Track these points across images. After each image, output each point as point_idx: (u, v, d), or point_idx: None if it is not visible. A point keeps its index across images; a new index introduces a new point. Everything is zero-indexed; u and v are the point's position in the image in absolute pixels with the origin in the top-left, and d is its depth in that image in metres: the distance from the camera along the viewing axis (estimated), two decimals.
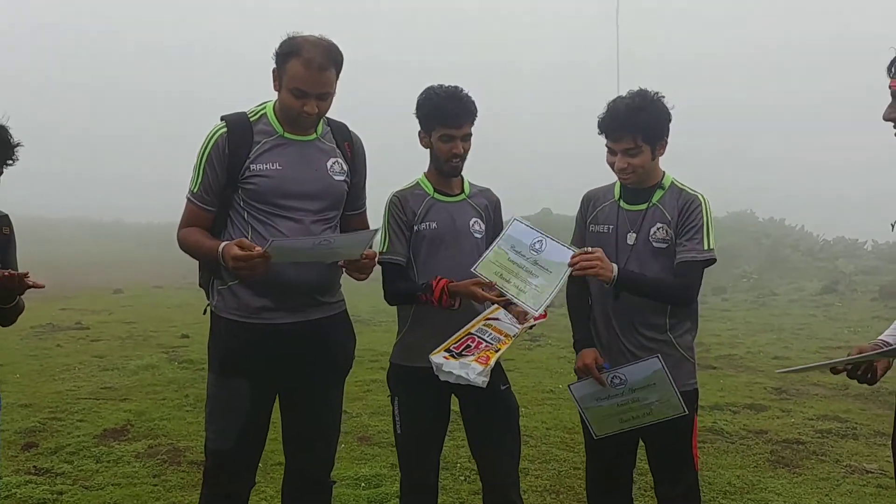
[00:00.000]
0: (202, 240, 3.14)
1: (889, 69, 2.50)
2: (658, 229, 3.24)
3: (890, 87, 2.49)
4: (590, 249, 3.09)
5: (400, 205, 3.38)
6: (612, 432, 3.31)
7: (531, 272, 3.15)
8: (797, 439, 6.16)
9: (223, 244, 3.00)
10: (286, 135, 3.18)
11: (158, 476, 5.17)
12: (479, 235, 3.42)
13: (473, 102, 3.34)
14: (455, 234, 3.38)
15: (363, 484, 5.03)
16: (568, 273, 3.07)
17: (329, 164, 3.24)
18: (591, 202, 3.45)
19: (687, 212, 3.24)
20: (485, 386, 3.02)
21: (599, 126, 3.25)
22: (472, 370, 3.02)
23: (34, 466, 5.30)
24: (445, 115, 3.29)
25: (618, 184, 3.39)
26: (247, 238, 3.02)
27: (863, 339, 2.74)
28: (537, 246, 3.17)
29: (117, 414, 6.67)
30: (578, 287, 3.40)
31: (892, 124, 2.51)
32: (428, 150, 3.41)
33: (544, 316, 3.18)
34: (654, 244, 3.23)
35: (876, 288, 17.83)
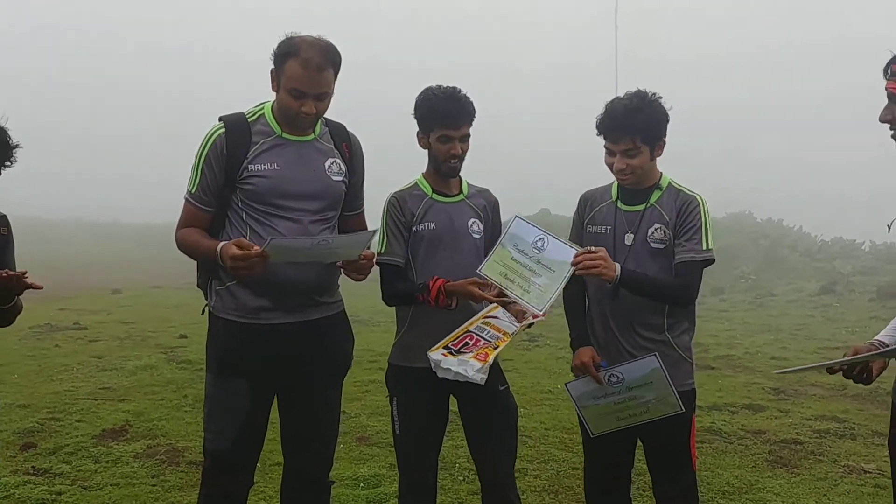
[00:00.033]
0: (200, 240, 3.14)
1: (885, 71, 2.51)
2: (656, 230, 3.25)
3: (886, 88, 2.50)
4: (593, 249, 3.09)
5: (398, 205, 3.39)
6: (608, 430, 3.32)
7: (534, 271, 3.15)
8: (795, 439, 6.17)
9: (221, 244, 3.00)
10: (284, 135, 3.18)
11: (157, 476, 5.17)
12: (477, 236, 3.43)
13: (471, 103, 3.35)
14: (453, 235, 3.38)
15: (362, 484, 5.04)
16: (571, 272, 3.07)
17: (327, 164, 3.24)
18: (588, 203, 3.45)
19: (685, 212, 3.25)
20: (483, 383, 3.02)
21: (598, 127, 3.25)
22: (470, 367, 3.02)
23: (33, 467, 5.29)
24: (444, 116, 3.29)
25: (615, 184, 3.39)
26: (245, 238, 3.02)
27: (861, 339, 2.75)
28: (539, 244, 3.17)
29: (116, 414, 6.67)
30: (575, 286, 3.40)
31: (889, 126, 2.52)
32: (426, 150, 3.41)
33: (543, 315, 3.19)
34: (652, 245, 3.24)
35: (874, 288, 17.83)
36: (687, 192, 3.31)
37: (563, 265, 3.09)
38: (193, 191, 3.16)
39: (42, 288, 2.81)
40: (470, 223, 3.42)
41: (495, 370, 3.43)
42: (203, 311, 3.35)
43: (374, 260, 3.21)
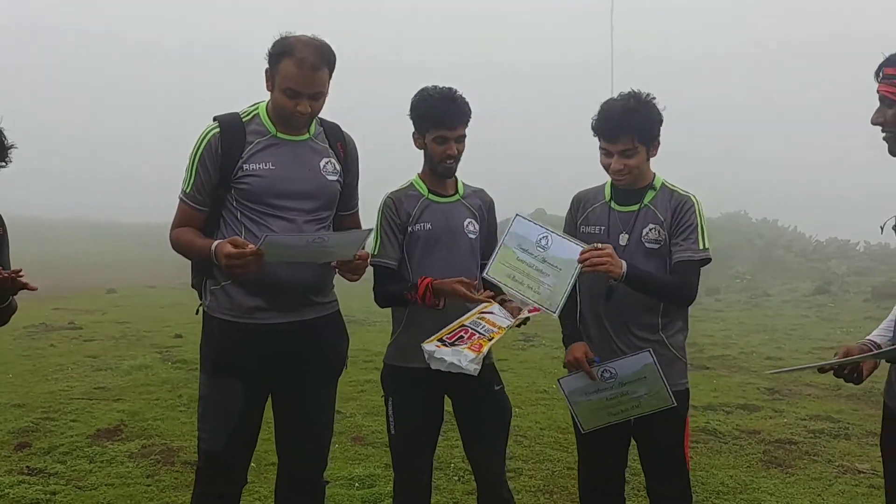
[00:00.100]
0: (195, 239, 3.14)
1: (877, 74, 2.52)
2: (650, 230, 3.26)
3: (878, 91, 2.51)
4: (599, 245, 3.09)
5: (394, 207, 3.39)
6: (599, 426, 3.32)
7: (541, 271, 3.14)
8: (790, 439, 6.18)
9: (216, 243, 3.00)
10: (279, 135, 3.18)
11: (152, 476, 5.16)
12: (473, 236, 3.43)
13: (467, 104, 3.35)
14: (449, 235, 3.38)
15: (357, 484, 5.03)
16: (579, 270, 3.06)
17: (322, 163, 3.24)
18: (581, 203, 3.46)
19: (680, 212, 3.26)
20: (476, 374, 3.01)
21: (594, 128, 3.25)
22: (464, 357, 3.00)
23: (27, 466, 5.29)
24: (439, 117, 3.29)
25: (608, 185, 3.40)
26: (240, 238, 3.02)
27: (855, 339, 2.76)
28: (543, 242, 3.16)
29: (110, 414, 6.66)
30: None
31: (881, 128, 2.53)
32: (422, 151, 3.41)
33: (538, 310, 3.19)
34: (647, 245, 3.24)
35: (868, 289, 17.90)
36: (681, 192, 3.32)
37: (570, 263, 3.08)
38: (188, 190, 3.16)
39: (37, 289, 2.80)
40: (466, 223, 3.43)
41: (490, 370, 3.44)
42: (197, 310, 3.34)
43: (369, 261, 3.21)
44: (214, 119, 3.18)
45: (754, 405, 7.40)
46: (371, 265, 3.29)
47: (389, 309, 3.48)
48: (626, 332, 3.28)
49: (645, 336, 3.27)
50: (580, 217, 3.42)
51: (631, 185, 3.30)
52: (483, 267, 3.50)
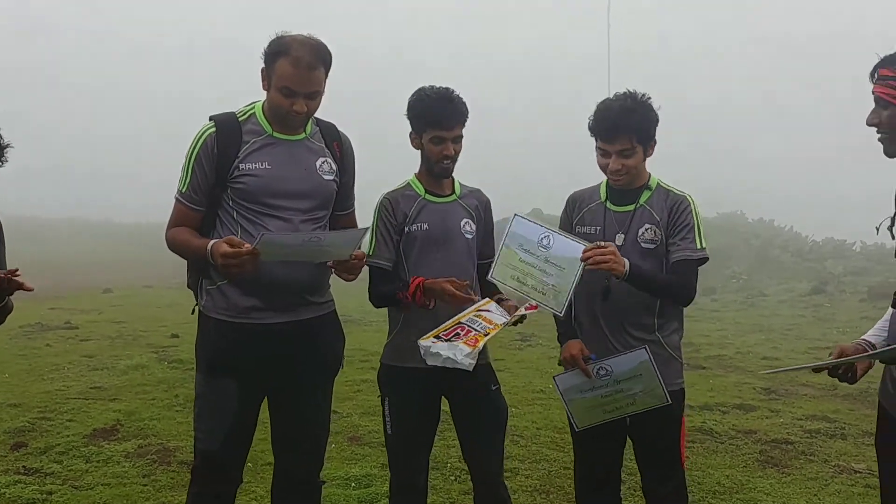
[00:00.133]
0: (191, 239, 3.13)
1: (872, 75, 2.53)
2: (646, 230, 3.26)
3: (873, 92, 2.52)
4: (602, 244, 3.08)
5: (390, 207, 3.39)
6: (594, 424, 3.32)
7: (545, 271, 3.14)
8: (786, 439, 6.18)
9: (212, 242, 2.99)
10: (275, 134, 3.18)
11: (148, 476, 5.16)
12: (469, 236, 3.43)
13: (464, 104, 3.35)
14: (446, 235, 3.38)
15: (353, 484, 5.03)
16: (582, 269, 3.05)
17: (318, 163, 3.24)
18: (576, 203, 3.46)
19: (677, 212, 3.26)
20: (471, 368, 3.01)
21: (591, 128, 3.25)
22: (459, 351, 3.00)
23: (23, 466, 5.28)
24: (436, 118, 3.29)
25: (603, 185, 3.40)
26: (236, 237, 3.02)
27: (852, 339, 2.77)
28: (545, 242, 3.16)
29: (107, 414, 6.65)
30: None
31: (876, 129, 2.54)
32: (419, 151, 3.41)
33: (535, 307, 3.19)
34: (643, 245, 3.24)
35: (864, 289, 17.91)
36: (677, 192, 3.33)
37: (573, 262, 3.07)
38: (184, 190, 3.16)
39: (33, 289, 2.80)
40: (462, 223, 3.42)
41: (487, 370, 3.44)
42: (193, 310, 3.34)
43: (364, 261, 3.21)
44: (210, 119, 3.18)
45: (751, 405, 7.41)
46: (367, 264, 3.29)
47: (386, 309, 3.47)
48: (623, 331, 3.28)
49: (641, 336, 3.27)
50: (576, 217, 3.41)
51: (627, 186, 3.30)
52: (480, 267, 3.51)
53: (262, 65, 3.11)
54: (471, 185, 3.61)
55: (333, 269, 3.19)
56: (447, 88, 3.35)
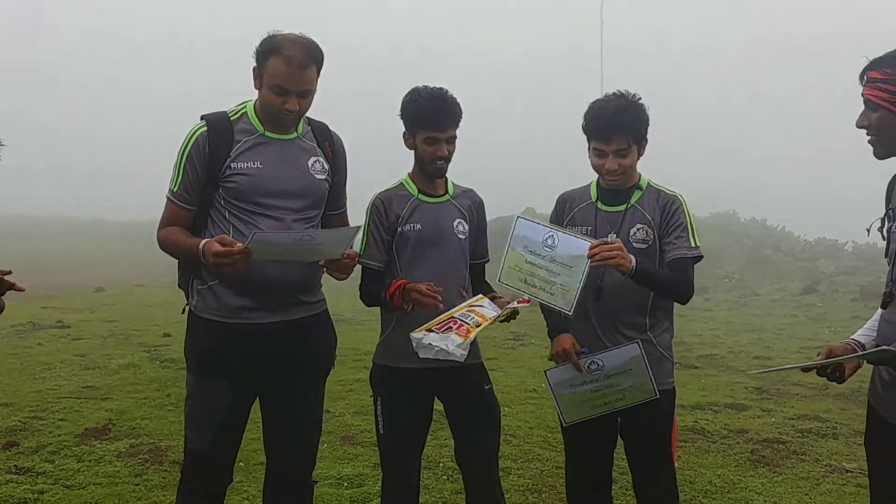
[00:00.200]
0: (182, 238, 3.13)
1: (861, 77, 2.53)
2: (638, 230, 3.26)
3: (863, 94, 2.52)
4: (608, 240, 3.08)
5: (383, 208, 3.38)
6: (581, 419, 3.32)
7: (552, 271, 3.13)
8: (777, 439, 6.20)
9: (203, 242, 2.99)
10: (267, 133, 3.17)
11: (140, 475, 5.15)
12: (462, 236, 3.43)
13: (458, 105, 3.34)
14: (439, 235, 3.38)
15: (346, 483, 5.03)
16: (588, 265, 3.05)
17: (310, 162, 3.24)
18: (566, 203, 3.46)
19: (669, 212, 3.27)
20: (462, 360, 3.00)
21: (587, 129, 3.25)
22: (451, 342, 3.00)
23: (15, 466, 5.26)
24: (430, 119, 3.29)
25: (593, 185, 3.41)
26: (227, 236, 3.01)
27: (843, 339, 2.78)
28: (549, 242, 3.15)
29: (99, 413, 6.64)
30: None
31: (866, 131, 2.55)
32: (412, 151, 3.41)
33: (527, 301, 3.20)
34: (635, 245, 3.25)
35: (856, 288, 17.98)
36: (667, 192, 3.34)
37: (579, 259, 3.07)
38: (175, 189, 3.15)
39: (24, 290, 2.79)
40: (455, 223, 3.43)
41: (480, 370, 3.45)
42: (183, 310, 3.34)
43: (356, 260, 3.21)
44: (202, 118, 3.18)
45: (742, 404, 7.43)
46: (359, 263, 3.29)
47: (378, 308, 3.47)
48: (614, 330, 3.29)
49: (633, 335, 3.27)
50: (566, 217, 3.41)
51: (618, 186, 3.31)
52: (473, 267, 3.52)
53: (254, 63, 3.11)
54: (472, 183, 3.61)
55: (325, 269, 3.19)
56: (441, 89, 3.35)
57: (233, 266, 2.89)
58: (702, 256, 3.28)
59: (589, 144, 3.28)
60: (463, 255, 3.44)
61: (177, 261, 3.29)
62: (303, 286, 3.24)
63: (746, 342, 11.95)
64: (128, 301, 17.06)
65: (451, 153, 3.35)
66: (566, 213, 3.42)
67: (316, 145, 3.28)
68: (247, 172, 3.10)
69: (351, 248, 3.13)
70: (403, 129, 3.39)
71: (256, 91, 3.14)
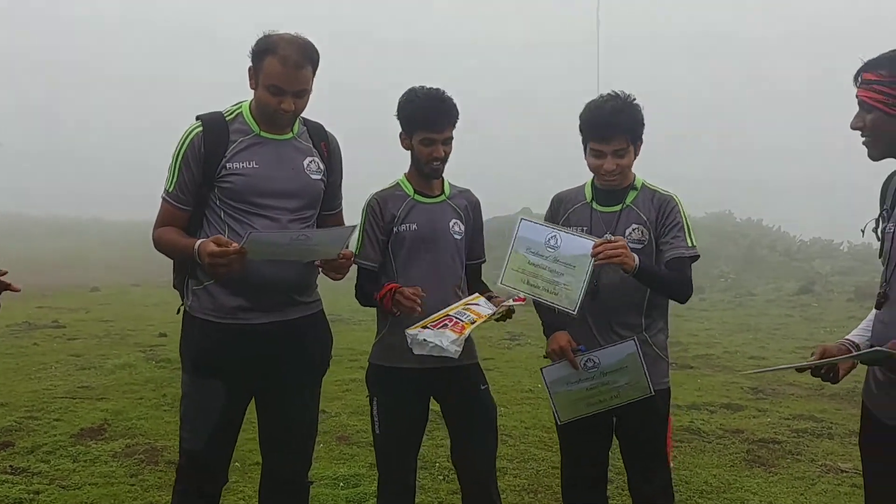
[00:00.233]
0: (178, 238, 3.13)
1: (855, 79, 2.54)
2: (634, 230, 3.26)
3: (857, 96, 2.53)
4: (611, 238, 3.08)
5: (378, 208, 3.38)
6: (576, 417, 3.32)
7: (555, 271, 3.13)
8: (773, 439, 6.21)
9: (199, 242, 2.99)
10: (262, 134, 3.17)
11: (136, 476, 5.15)
12: (458, 236, 3.43)
13: (455, 106, 3.34)
14: (435, 236, 3.38)
15: (342, 483, 5.03)
16: (592, 264, 3.04)
17: (306, 162, 3.24)
18: (561, 204, 3.46)
19: (665, 212, 3.28)
20: (457, 356, 3.00)
21: (584, 129, 3.25)
22: (445, 338, 3.00)
23: (10, 466, 5.25)
24: (426, 119, 3.29)
25: (588, 185, 3.41)
26: (223, 236, 3.01)
27: (838, 339, 2.79)
28: (553, 242, 3.15)
29: (94, 413, 6.63)
30: None
31: (860, 132, 2.55)
32: (409, 151, 3.41)
33: (522, 300, 3.20)
34: (631, 245, 3.23)
35: (852, 288, 18.02)
36: (662, 192, 3.34)
37: (583, 259, 3.06)
38: (171, 190, 3.15)
39: (20, 290, 2.79)
40: (451, 224, 3.42)
41: (476, 370, 3.45)
42: (178, 310, 3.33)
43: (352, 260, 3.21)
44: (197, 118, 3.18)
45: (738, 404, 7.43)
46: (355, 263, 3.29)
47: (374, 308, 3.47)
48: (610, 331, 3.29)
49: (628, 335, 3.27)
50: (561, 218, 3.41)
51: (614, 186, 3.31)
52: (468, 267, 3.52)
53: (250, 63, 3.11)
54: (468, 183, 3.61)
55: (321, 269, 3.19)
56: (437, 89, 3.34)
57: (228, 266, 2.89)
58: (699, 256, 3.29)
59: (585, 145, 3.28)
60: (459, 256, 3.44)
61: (172, 261, 3.29)
62: (298, 286, 3.24)
63: (742, 342, 11.96)
64: (123, 301, 17.03)
65: (447, 154, 3.35)
66: (561, 213, 3.42)
67: (311, 145, 3.29)
68: (242, 172, 3.10)
69: (347, 247, 3.12)
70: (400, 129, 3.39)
71: (252, 91, 3.14)
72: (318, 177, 3.26)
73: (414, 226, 3.36)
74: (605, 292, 3.24)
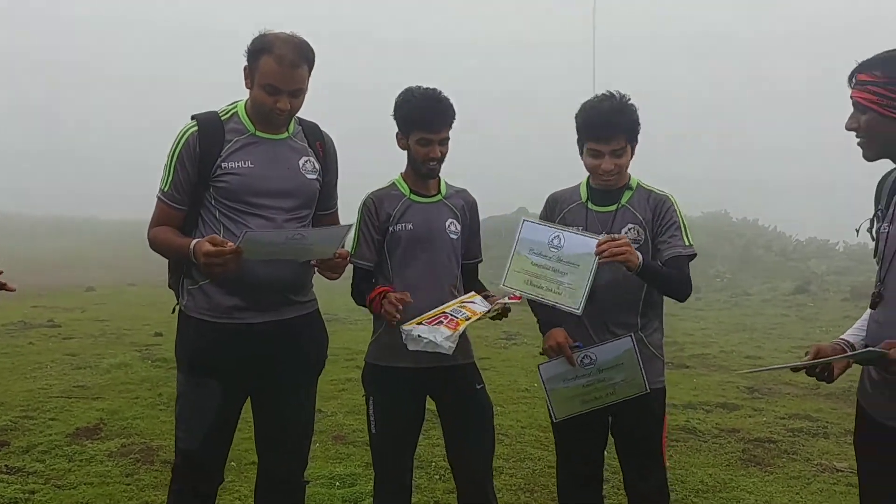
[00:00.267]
0: (173, 238, 3.12)
1: (850, 80, 2.54)
2: (629, 230, 3.27)
3: (851, 97, 2.53)
4: (616, 236, 3.08)
5: (374, 208, 3.38)
6: (572, 414, 3.32)
7: (559, 271, 3.12)
8: (769, 438, 6.22)
9: (194, 241, 2.98)
10: (258, 133, 3.17)
11: (131, 475, 5.14)
12: (454, 236, 3.42)
13: (452, 106, 3.33)
14: (431, 236, 3.37)
15: (338, 483, 5.03)
16: (597, 263, 3.04)
17: (301, 162, 3.23)
18: (556, 204, 3.46)
19: (661, 211, 3.28)
20: (450, 352, 2.99)
21: (583, 129, 3.25)
22: (440, 334, 2.99)
23: (6, 465, 5.24)
24: (423, 120, 3.28)
25: (583, 185, 3.41)
26: (218, 236, 3.01)
27: (834, 339, 2.79)
28: (556, 242, 3.15)
29: (90, 413, 6.62)
30: None
31: (855, 133, 2.56)
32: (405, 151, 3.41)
33: (518, 298, 3.19)
34: None
35: (847, 288, 18.04)
36: (657, 191, 3.35)
37: (587, 257, 3.06)
38: (166, 189, 3.15)
39: (15, 290, 2.78)
40: (447, 224, 3.42)
41: (472, 369, 3.45)
42: (174, 310, 3.33)
43: (348, 259, 3.21)
44: (192, 118, 3.17)
45: (734, 404, 7.44)
46: (350, 262, 3.29)
47: None
48: (606, 330, 3.29)
49: (624, 335, 3.27)
50: (556, 218, 3.40)
51: (610, 186, 3.31)
52: (465, 267, 3.52)
53: (245, 62, 3.11)
54: (464, 183, 3.61)
55: (317, 268, 3.19)
56: (434, 89, 3.34)
57: (224, 266, 2.89)
58: (696, 254, 3.29)
59: (583, 145, 3.28)
60: (455, 255, 3.43)
61: (167, 260, 3.29)
62: (294, 286, 3.23)
63: (738, 342, 11.97)
64: (119, 300, 17.01)
65: (444, 154, 3.35)
66: (556, 213, 3.42)
67: (307, 145, 3.28)
68: (238, 172, 3.10)
69: (342, 247, 3.12)
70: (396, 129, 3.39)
71: (248, 90, 3.14)
72: (314, 176, 3.26)
73: (409, 225, 3.36)
74: (600, 292, 3.24)
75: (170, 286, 3.35)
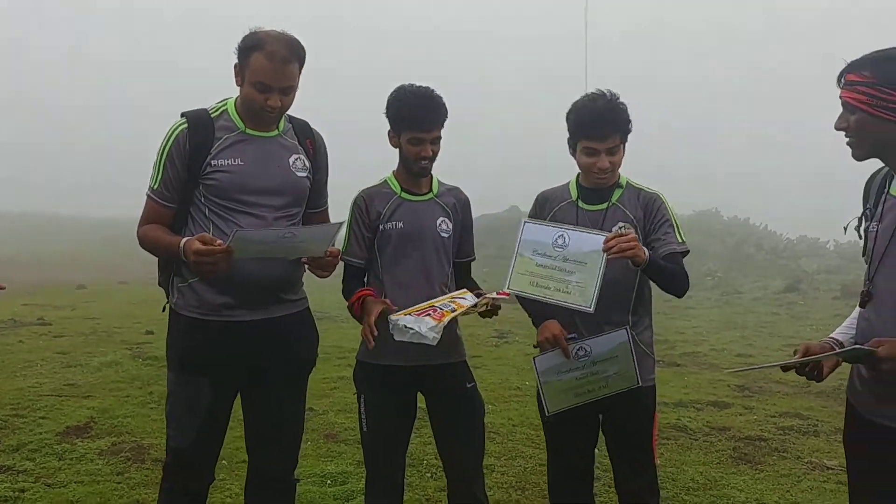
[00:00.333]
0: (163, 236, 3.11)
1: (839, 80, 2.54)
2: (620, 228, 3.27)
3: (840, 97, 2.53)
4: (622, 232, 3.08)
5: (364, 205, 3.38)
6: (564, 408, 3.31)
7: (566, 270, 3.10)
8: (759, 436, 6.24)
9: (184, 240, 2.98)
10: (248, 131, 3.16)
11: (122, 474, 5.13)
12: (445, 235, 3.42)
13: (444, 105, 3.32)
14: (421, 234, 3.37)
15: (329, 481, 5.03)
16: (605, 259, 3.02)
17: (291, 160, 3.23)
18: (546, 202, 3.45)
19: (652, 210, 3.29)
20: (435, 343, 2.97)
21: (578, 128, 3.24)
22: (424, 324, 2.98)
23: None
24: (415, 118, 3.27)
25: (573, 184, 3.41)
26: (208, 234, 3.00)
27: (824, 337, 2.80)
28: (560, 241, 3.13)
29: (80, 411, 6.61)
30: None
31: (844, 133, 2.56)
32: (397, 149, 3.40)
33: (507, 294, 3.19)
34: None
35: (838, 287, 18.10)
36: (647, 190, 3.35)
37: (595, 255, 3.04)
38: (156, 187, 3.14)
39: (5, 288, 2.78)
40: (438, 222, 3.41)
41: (463, 368, 3.45)
42: (164, 308, 3.32)
43: (339, 257, 3.20)
44: (182, 115, 3.16)
45: (725, 402, 7.46)
46: (342, 259, 3.29)
47: None
48: (598, 329, 3.29)
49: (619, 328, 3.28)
50: (546, 216, 3.40)
51: (601, 184, 3.31)
52: (457, 265, 3.51)
53: (236, 60, 3.10)
54: (457, 181, 3.60)
55: (307, 266, 3.18)
56: (427, 88, 3.33)
57: (214, 265, 2.88)
58: (689, 251, 3.30)
59: (576, 143, 3.28)
60: (446, 254, 3.43)
61: (157, 258, 3.28)
62: (284, 284, 3.23)
63: (729, 340, 12.01)
64: (109, 298, 16.94)
65: (435, 153, 3.34)
66: (546, 211, 3.41)
67: (297, 143, 3.28)
68: (227, 170, 3.09)
69: (333, 245, 3.12)
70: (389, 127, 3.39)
71: (238, 88, 3.13)
72: (304, 174, 3.25)
73: (400, 224, 3.35)
74: None
75: (160, 284, 3.34)
